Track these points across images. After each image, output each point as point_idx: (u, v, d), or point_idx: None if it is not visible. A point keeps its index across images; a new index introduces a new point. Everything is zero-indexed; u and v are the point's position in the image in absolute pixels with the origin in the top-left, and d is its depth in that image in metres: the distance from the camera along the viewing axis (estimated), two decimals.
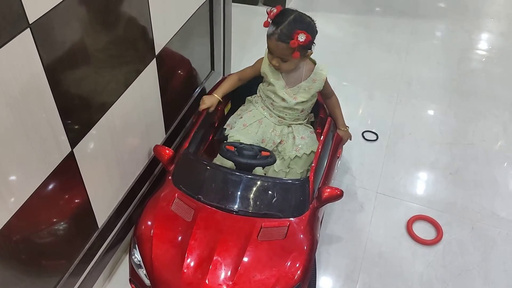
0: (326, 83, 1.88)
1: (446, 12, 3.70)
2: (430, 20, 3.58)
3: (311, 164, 1.69)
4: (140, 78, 1.62)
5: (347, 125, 2.01)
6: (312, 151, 1.82)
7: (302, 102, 1.84)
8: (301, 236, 1.53)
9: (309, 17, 1.70)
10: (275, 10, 1.66)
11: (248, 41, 3.17)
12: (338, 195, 1.62)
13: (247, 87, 2.07)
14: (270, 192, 1.59)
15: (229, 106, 2.13)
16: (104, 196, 1.63)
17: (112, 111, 1.50)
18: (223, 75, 2.51)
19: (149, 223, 1.55)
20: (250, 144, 1.71)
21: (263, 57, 1.84)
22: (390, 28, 3.43)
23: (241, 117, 1.89)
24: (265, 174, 1.84)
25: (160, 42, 1.70)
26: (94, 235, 1.64)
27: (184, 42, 1.95)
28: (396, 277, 1.88)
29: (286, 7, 3.50)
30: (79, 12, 1.22)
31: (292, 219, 1.56)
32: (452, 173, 2.32)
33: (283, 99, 1.82)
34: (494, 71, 3.07)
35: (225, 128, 1.91)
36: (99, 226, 1.66)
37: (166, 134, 1.98)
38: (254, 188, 1.58)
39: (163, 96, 1.84)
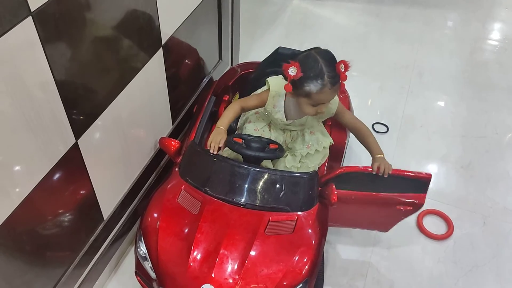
0: (340, 115, 1.72)
1: (458, 1, 3.62)
2: (442, 9, 3.50)
3: (324, 159, 1.66)
4: (146, 68, 1.59)
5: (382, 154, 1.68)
6: (324, 147, 1.75)
7: (311, 124, 1.74)
8: (309, 230, 1.50)
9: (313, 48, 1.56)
10: (295, 70, 1.47)
11: (257, 30, 3.13)
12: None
13: (256, 79, 2.04)
14: (278, 185, 1.56)
15: (237, 96, 2.09)
16: (109, 188, 1.61)
17: (117, 101, 1.47)
18: (231, 65, 2.47)
19: (155, 215, 1.53)
20: (258, 136, 1.67)
21: (266, 93, 1.68)
22: (402, 17, 3.36)
23: (250, 122, 1.80)
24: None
25: (166, 31, 1.67)
26: (100, 227, 1.63)
27: (192, 31, 1.91)
28: (405, 272, 1.85)
29: None
30: (82, 0, 1.19)
31: (300, 213, 1.53)
32: (464, 167, 2.27)
33: (287, 125, 1.73)
34: (508, 62, 3.00)
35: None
36: (105, 218, 1.64)
37: (172, 125, 1.96)
38: (262, 181, 1.55)
39: (170, 86, 1.81)
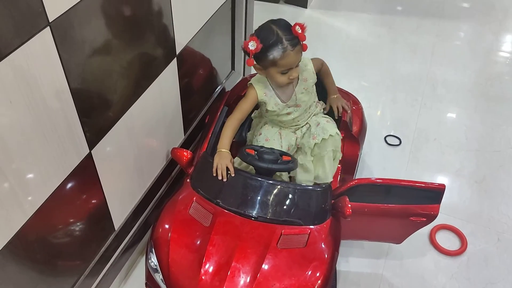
0: (313, 67, 1.76)
1: (472, 13, 3.60)
2: (456, 20, 3.48)
3: (337, 150, 1.71)
4: (160, 78, 1.59)
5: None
6: (330, 134, 1.70)
7: (306, 101, 1.74)
8: (322, 244, 1.48)
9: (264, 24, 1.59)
10: (254, 44, 1.51)
11: None
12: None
13: None
14: (290, 198, 1.54)
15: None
16: (121, 198, 1.61)
17: (131, 111, 1.47)
18: (243, 75, 2.46)
19: (167, 226, 1.52)
20: (271, 148, 1.66)
21: (252, 87, 1.69)
22: (415, 28, 3.34)
23: (261, 134, 1.78)
24: (290, 177, 1.79)
25: (181, 41, 1.67)
26: (111, 237, 1.62)
27: (206, 41, 1.91)
28: (418, 287, 1.83)
29: (307, 6, 3.50)
30: (99, 11, 1.19)
31: (313, 226, 1.52)
32: (478, 181, 2.24)
33: (288, 113, 1.73)
34: None
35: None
36: (116, 228, 1.63)
37: (184, 135, 1.95)
38: (274, 194, 1.54)
39: (183, 96, 1.81)
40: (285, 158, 1.65)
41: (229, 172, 1.55)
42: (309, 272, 1.42)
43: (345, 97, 2.04)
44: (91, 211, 1.46)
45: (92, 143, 1.32)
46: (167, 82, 1.66)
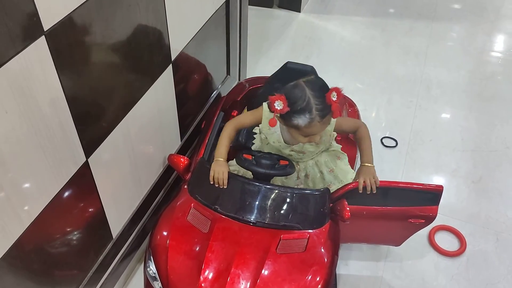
0: (339, 124, 1.60)
1: (465, 14, 3.62)
2: (448, 22, 3.50)
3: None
4: (156, 85, 1.58)
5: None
6: (342, 180, 1.69)
7: (312, 152, 1.63)
8: (322, 249, 1.48)
9: (308, 72, 1.48)
10: (281, 104, 1.38)
11: (263, 44, 3.13)
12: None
13: (264, 94, 2.02)
14: (288, 202, 1.54)
15: (245, 111, 2.08)
16: (118, 206, 1.60)
17: (127, 119, 1.46)
18: (239, 79, 2.46)
19: (165, 234, 1.51)
20: (269, 153, 1.66)
21: (260, 111, 1.59)
22: (408, 30, 3.36)
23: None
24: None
25: (176, 47, 1.66)
26: (109, 245, 1.61)
27: (201, 47, 1.91)
28: None
29: (301, 10, 3.51)
30: (94, 19, 1.19)
31: (312, 231, 1.51)
32: (475, 182, 2.25)
33: (289, 154, 1.65)
34: None
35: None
36: (114, 236, 1.62)
37: (181, 141, 1.94)
38: (272, 199, 1.53)
39: (179, 102, 1.80)
40: (282, 162, 1.64)
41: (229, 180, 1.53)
42: (309, 277, 1.41)
43: (341, 100, 2.03)
44: (88, 219, 1.45)
45: (88, 151, 1.31)
46: (163, 88, 1.65)
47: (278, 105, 1.38)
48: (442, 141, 2.45)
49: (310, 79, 1.44)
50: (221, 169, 1.52)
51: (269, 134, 1.60)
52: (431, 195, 1.58)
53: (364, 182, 1.50)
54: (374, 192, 1.51)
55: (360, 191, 1.51)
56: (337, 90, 1.39)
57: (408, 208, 1.58)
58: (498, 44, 3.34)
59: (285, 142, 1.60)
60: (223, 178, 1.51)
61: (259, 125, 1.66)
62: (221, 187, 1.52)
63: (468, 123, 2.58)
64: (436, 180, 2.26)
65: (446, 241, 1.98)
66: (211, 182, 1.53)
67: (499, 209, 2.12)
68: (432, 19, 3.50)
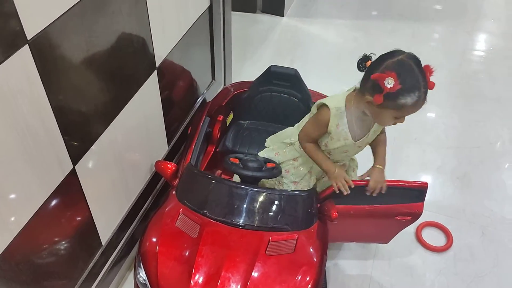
0: None
1: (446, 14, 3.68)
2: (430, 22, 3.56)
3: None
4: (141, 91, 1.59)
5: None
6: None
7: (368, 142, 1.59)
8: (311, 249, 1.49)
9: (397, 50, 1.35)
10: (392, 82, 1.27)
11: (248, 49, 3.15)
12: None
13: (249, 98, 2.05)
14: (276, 204, 1.55)
15: (230, 116, 2.10)
16: (107, 213, 1.60)
17: (113, 125, 1.46)
18: (224, 84, 2.48)
19: (154, 240, 1.51)
20: (255, 155, 1.67)
21: (325, 108, 1.48)
22: (390, 31, 3.41)
23: (288, 171, 1.70)
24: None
25: (160, 53, 1.67)
26: (98, 253, 1.60)
27: (185, 53, 1.92)
28: (406, 285, 1.84)
29: (284, 15, 3.54)
30: (77, 27, 1.19)
31: (300, 231, 1.52)
32: (460, 178, 2.28)
33: (346, 151, 1.58)
34: (496, 72, 3.04)
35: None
36: (103, 243, 1.62)
37: (168, 147, 1.95)
38: (260, 201, 1.55)
39: (165, 108, 1.81)
40: (269, 165, 1.66)
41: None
42: (299, 277, 1.42)
43: None
44: (77, 227, 1.45)
45: (75, 159, 1.32)
46: (148, 95, 1.66)
47: (389, 83, 1.27)
48: (426, 139, 2.49)
49: (410, 54, 1.34)
50: (341, 175, 1.53)
51: (337, 133, 1.50)
52: (417, 192, 1.60)
53: (374, 185, 1.53)
54: (376, 194, 1.55)
55: (368, 193, 1.55)
56: (428, 68, 1.32)
57: (395, 205, 1.60)
58: (479, 43, 3.40)
59: (352, 138, 1.51)
60: (347, 181, 1.52)
61: (291, 138, 1.65)
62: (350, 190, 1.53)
63: (451, 121, 2.62)
64: (422, 177, 2.29)
65: (433, 236, 2.01)
66: (345, 193, 1.53)
67: (484, 203, 2.16)
68: (414, 20, 3.55)
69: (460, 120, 2.62)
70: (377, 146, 1.62)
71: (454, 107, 2.71)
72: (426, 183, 1.59)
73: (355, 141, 1.51)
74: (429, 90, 1.32)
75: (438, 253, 1.95)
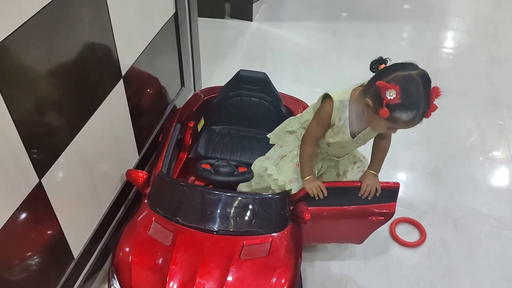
0: None
1: (412, 13, 3.75)
2: (397, 22, 3.63)
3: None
4: (107, 100, 1.57)
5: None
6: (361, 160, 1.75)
7: (366, 140, 1.60)
8: (285, 251, 1.50)
9: (412, 64, 1.34)
10: (394, 95, 1.26)
11: (218, 54, 3.15)
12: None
13: (219, 103, 2.05)
14: (250, 208, 1.55)
15: (202, 122, 2.09)
16: (78, 225, 1.57)
17: (80, 136, 1.44)
18: (194, 90, 2.47)
19: (127, 250, 1.49)
20: (227, 160, 1.67)
21: (329, 100, 1.50)
22: (358, 32, 3.45)
23: (281, 146, 1.72)
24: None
25: (126, 62, 1.66)
26: (70, 266, 1.57)
27: (152, 60, 1.91)
28: (383, 282, 1.86)
29: (253, 19, 3.56)
30: (37, 37, 1.17)
31: (274, 234, 1.53)
32: (431, 173, 2.33)
33: (343, 146, 1.60)
34: (463, 68, 3.12)
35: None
36: (75, 256, 1.59)
37: (139, 155, 1.93)
38: (233, 206, 1.54)
39: (133, 116, 1.79)
40: (241, 169, 1.66)
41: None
42: (274, 280, 1.42)
43: (296, 104, 2.08)
44: (47, 241, 1.42)
45: (41, 172, 1.29)
46: (116, 104, 1.64)
47: (391, 94, 1.27)
48: (397, 136, 2.47)
49: (423, 73, 1.32)
50: (314, 185, 1.56)
51: (338, 126, 1.50)
52: (389, 193, 1.62)
53: (366, 188, 1.58)
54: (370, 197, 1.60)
55: (360, 194, 1.60)
56: (437, 90, 1.32)
57: (367, 206, 1.62)
58: (447, 40, 3.49)
59: (350, 134, 1.51)
60: (322, 190, 1.56)
61: (293, 126, 1.67)
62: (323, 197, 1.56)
63: None
64: (394, 174, 2.32)
65: (406, 232, 2.04)
66: (316, 198, 1.56)
67: (455, 197, 2.20)
68: (381, 20, 3.61)
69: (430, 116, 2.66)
70: (377, 152, 1.64)
71: None
72: (397, 184, 1.61)
73: (353, 138, 1.52)
74: None
75: (413, 248, 1.98)
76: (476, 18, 3.72)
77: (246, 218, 1.54)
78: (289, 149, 1.69)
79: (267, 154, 1.77)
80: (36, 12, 1.14)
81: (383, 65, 1.40)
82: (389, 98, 1.27)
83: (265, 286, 1.41)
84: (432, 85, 1.35)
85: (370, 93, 1.35)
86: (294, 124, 1.71)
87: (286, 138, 1.73)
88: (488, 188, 2.26)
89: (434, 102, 1.33)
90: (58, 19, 1.24)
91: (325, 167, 1.71)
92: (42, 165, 1.29)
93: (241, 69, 2.01)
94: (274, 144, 1.78)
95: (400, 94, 1.27)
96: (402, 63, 1.36)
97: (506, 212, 2.14)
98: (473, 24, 3.65)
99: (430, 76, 1.34)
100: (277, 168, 1.69)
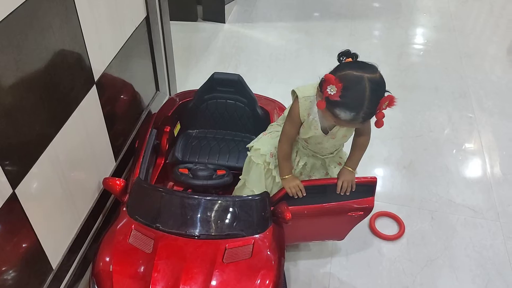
0: (368, 122, 1.46)
1: (381, 11, 3.81)
2: (367, 20, 3.68)
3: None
4: (81, 107, 1.54)
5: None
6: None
7: (345, 136, 1.59)
8: (268, 252, 1.50)
9: (373, 66, 1.34)
10: (334, 90, 1.27)
11: (192, 58, 3.13)
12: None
13: (195, 107, 2.03)
14: (230, 211, 1.54)
15: (178, 127, 2.07)
16: (55, 235, 1.53)
17: (53, 145, 1.41)
18: (169, 94, 2.45)
19: (107, 259, 1.47)
20: (204, 164, 1.66)
21: (296, 101, 1.50)
22: (330, 31, 3.49)
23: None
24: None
25: (98, 67, 1.63)
26: (49, 277, 1.54)
27: (125, 65, 1.89)
28: (365, 276, 1.88)
29: (226, 21, 3.55)
30: (4, 45, 1.14)
31: (256, 236, 1.53)
32: (406, 167, 2.37)
33: (319, 142, 1.61)
34: (433, 63, 3.18)
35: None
36: (54, 267, 1.55)
37: (115, 162, 1.90)
38: (214, 209, 1.53)
39: (108, 123, 1.76)
40: (219, 172, 1.65)
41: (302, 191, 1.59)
42: (258, 281, 1.42)
43: (272, 105, 2.08)
44: (23, 253, 1.38)
45: (14, 182, 1.26)
46: (89, 110, 1.61)
47: (331, 90, 1.28)
48: (372, 132, 2.55)
49: (375, 78, 1.31)
50: (293, 184, 1.57)
51: (308, 122, 1.50)
52: (366, 187, 1.64)
53: (342, 184, 1.60)
54: (348, 193, 1.62)
55: (337, 192, 1.61)
56: (391, 100, 1.32)
57: (346, 202, 1.64)
58: (416, 36, 3.56)
59: (322, 129, 1.52)
60: (301, 189, 1.57)
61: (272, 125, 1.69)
62: (302, 195, 1.57)
63: (393, 112, 2.65)
64: (370, 169, 2.35)
65: (386, 226, 2.06)
66: (295, 197, 1.56)
67: (430, 189, 2.25)
68: (351, 18, 3.66)
69: (402, 111, 2.71)
70: (355, 148, 1.65)
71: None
72: (375, 178, 1.63)
73: (325, 133, 1.52)
74: None
75: (392, 241, 2.01)
76: (443, 15, 3.81)
77: (227, 221, 1.53)
78: (273, 129, 1.73)
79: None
80: (2, 18, 1.11)
81: (350, 59, 1.40)
82: (329, 93, 1.29)
83: None
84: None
85: (320, 84, 1.37)
86: (279, 120, 1.75)
87: (271, 128, 1.76)
88: (462, 178, 2.32)
89: (383, 110, 1.32)
90: (25, 26, 1.21)
91: (310, 164, 1.71)
92: (15, 176, 1.26)
93: (215, 72, 2.01)
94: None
95: (341, 92, 1.27)
96: (364, 63, 1.36)
97: (479, 201, 2.20)
98: (441, 20, 3.73)
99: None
100: (258, 140, 1.72)
